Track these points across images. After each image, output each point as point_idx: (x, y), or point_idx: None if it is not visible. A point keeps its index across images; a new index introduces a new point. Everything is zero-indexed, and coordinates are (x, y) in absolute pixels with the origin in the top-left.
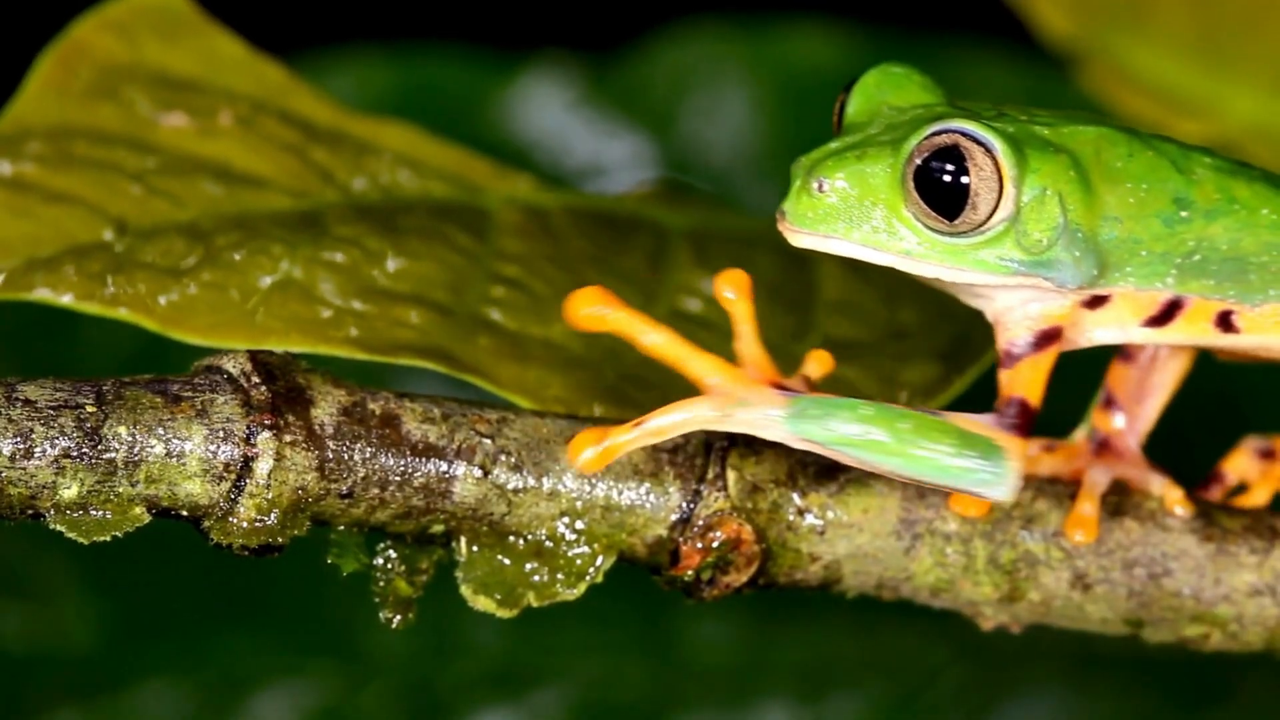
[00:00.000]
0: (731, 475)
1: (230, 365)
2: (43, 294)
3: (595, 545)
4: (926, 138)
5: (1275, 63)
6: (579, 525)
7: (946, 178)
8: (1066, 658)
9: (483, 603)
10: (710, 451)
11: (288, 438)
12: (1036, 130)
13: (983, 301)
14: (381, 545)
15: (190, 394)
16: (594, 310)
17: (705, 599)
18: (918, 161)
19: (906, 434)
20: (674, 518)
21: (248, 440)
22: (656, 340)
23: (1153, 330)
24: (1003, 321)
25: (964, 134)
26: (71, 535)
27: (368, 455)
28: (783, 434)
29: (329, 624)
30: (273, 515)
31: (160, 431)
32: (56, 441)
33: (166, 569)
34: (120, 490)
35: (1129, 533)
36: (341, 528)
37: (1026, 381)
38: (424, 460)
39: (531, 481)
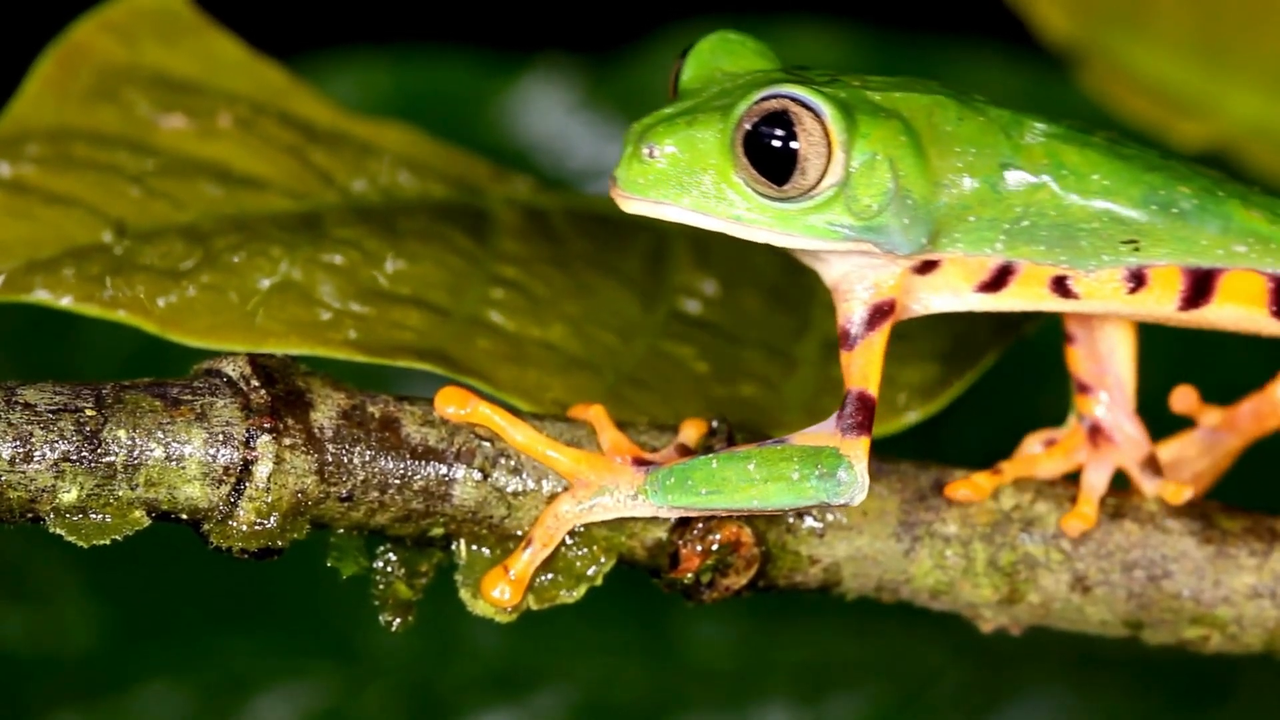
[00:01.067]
0: None
1: (230, 368)
2: (42, 296)
3: (595, 548)
4: (756, 103)
5: (1275, 63)
6: (578, 528)
7: (775, 143)
8: (1066, 660)
9: (482, 607)
10: (710, 453)
11: (287, 441)
12: (868, 95)
13: (820, 265)
14: (381, 548)
15: (190, 397)
16: (458, 410)
17: (705, 601)
18: (747, 126)
19: (755, 472)
20: (673, 520)
21: (247, 444)
22: (517, 437)
23: (988, 295)
24: (840, 290)
25: (793, 99)
26: (71, 539)
27: (367, 458)
28: (651, 509)
29: (329, 626)
30: (272, 518)
31: (160, 435)
32: (56, 445)
33: (167, 571)
34: (120, 494)
35: (1128, 535)
36: (341, 531)
37: (864, 367)
38: (424, 463)
39: (531, 484)
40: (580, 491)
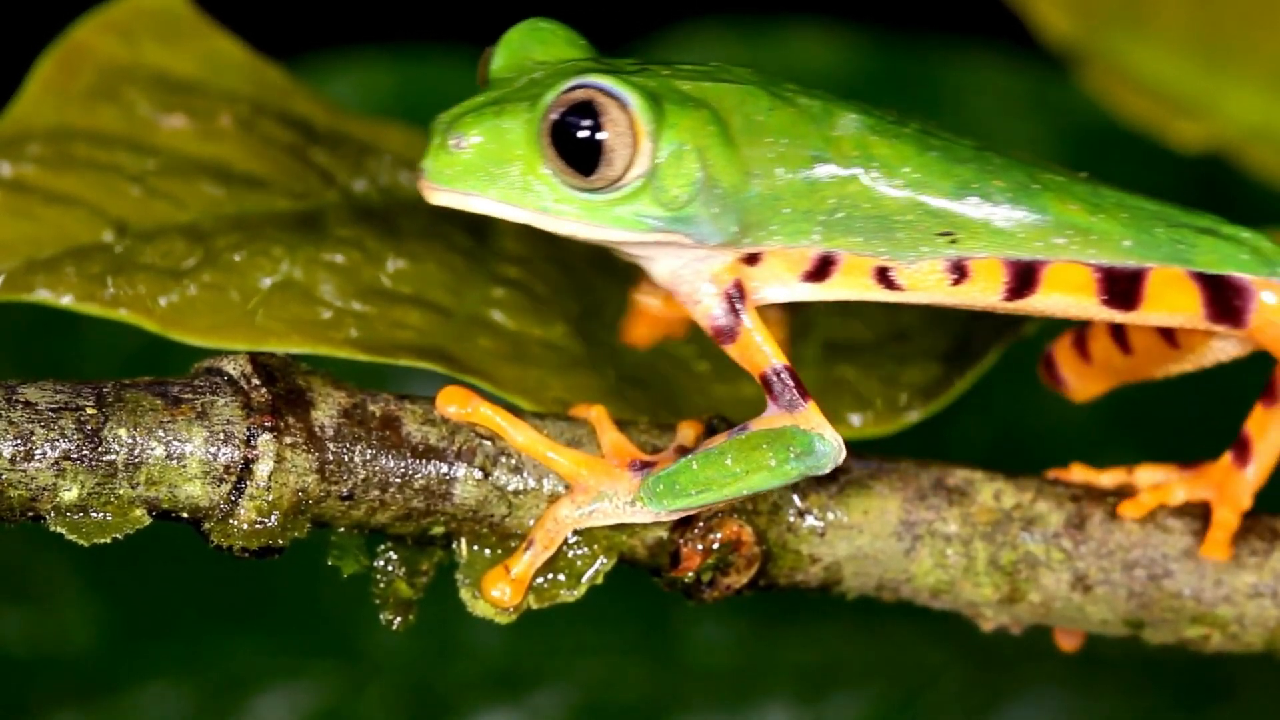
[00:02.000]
0: None
1: (230, 367)
2: (43, 295)
3: (596, 547)
4: (562, 93)
5: (1274, 63)
6: (580, 527)
7: (582, 133)
8: (1067, 659)
9: (483, 608)
10: None
11: (288, 440)
12: (677, 85)
13: (647, 263)
14: (382, 547)
15: (190, 396)
16: (459, 410)
17: (705, 601)
18: (553, 117)
19: (734, 466)
20: (674, 520)
21: (248, 442)
22: (518, 438)
23: (815, 286)
24: (682, 293)
25: (600, 89)
26: (72, 537)
27: (368, 457)
28: (650, 515)
29: (329, 625)
30: (273, 517)
31: (161, 433)
32: (57, 444)
33: (167, 571)
34: (120, 492)
35: (1129, 534)
36: (342, 529)
37: (758, 348)
38: (424, 462)
39: (532, 483)
40: (580, 496)
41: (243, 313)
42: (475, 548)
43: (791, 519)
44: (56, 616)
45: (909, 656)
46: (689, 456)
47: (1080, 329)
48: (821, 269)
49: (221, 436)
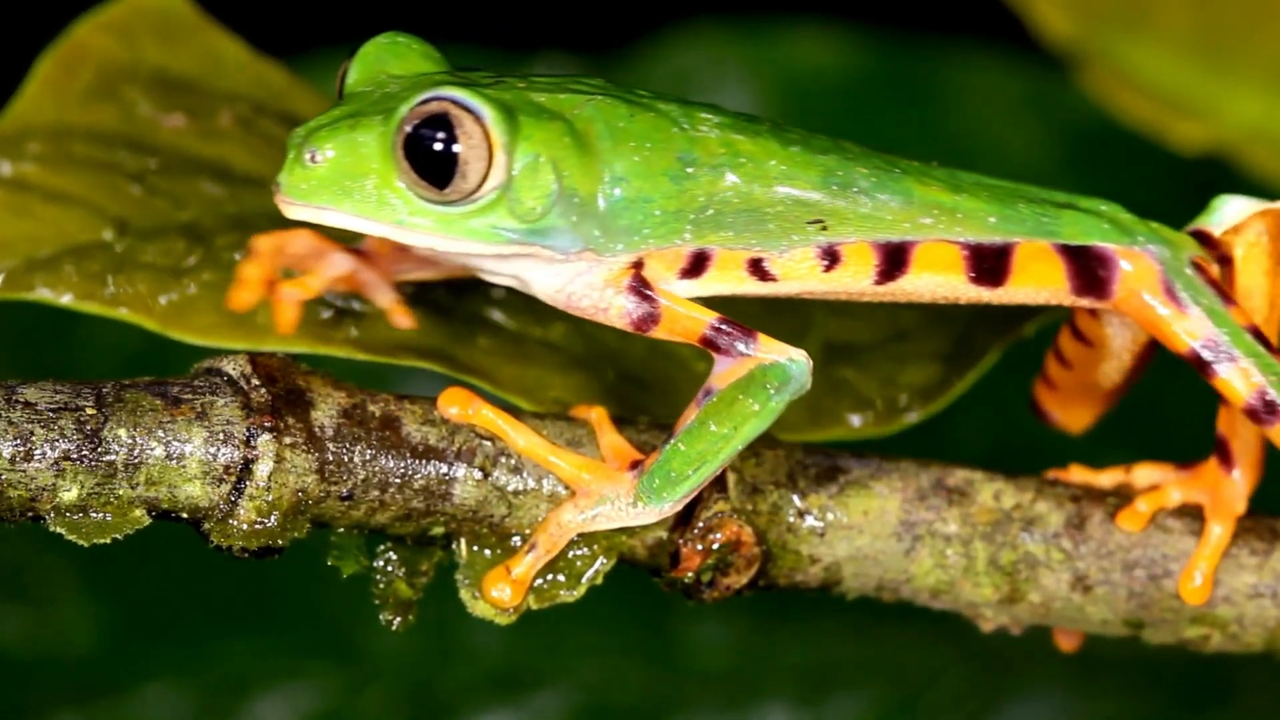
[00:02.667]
0: (731, 477)
1: (230, 367)
2: (42, 294)
3: (595, 547)
4: (416, 105)
5: (1274, 65)
6: (583, 531)
7: (436, 146)
8: (1067, 659)
9: (482, 608)
10: None
11: (288, 440)
12: (533, 97)
13: (525, 285)
14: (381, 547)
15: (190, 396)
16: (461, 411)
17: (705, 601)
18: (407, 130)
19: (720, 429)
20: (674, 520)
21: (248, 442)
22: (519, 441)
23: (692, 282)
24: (583, 306)
25: (454, 101)
26: (72, 538)
27: (368, 457)
28: (653, 515)
29: (329, 626)
30: (273, 517)
31: (160, 434)
32: (56, 444)
33: (167, 572)
34: (120, 492)
35: (1129, 534)
36: (342, 530)
37: (686, 317)
38: (424, 462)
39: (532, 483)
40: (582, 500)
41: (243, 312)
42: (475, 548)
43: (791, 519)
44: (56, 617)
45: (909, 657)
46: (671, 441)
47: (1042, 366)
48: (696, 266)
49: (221, 437)
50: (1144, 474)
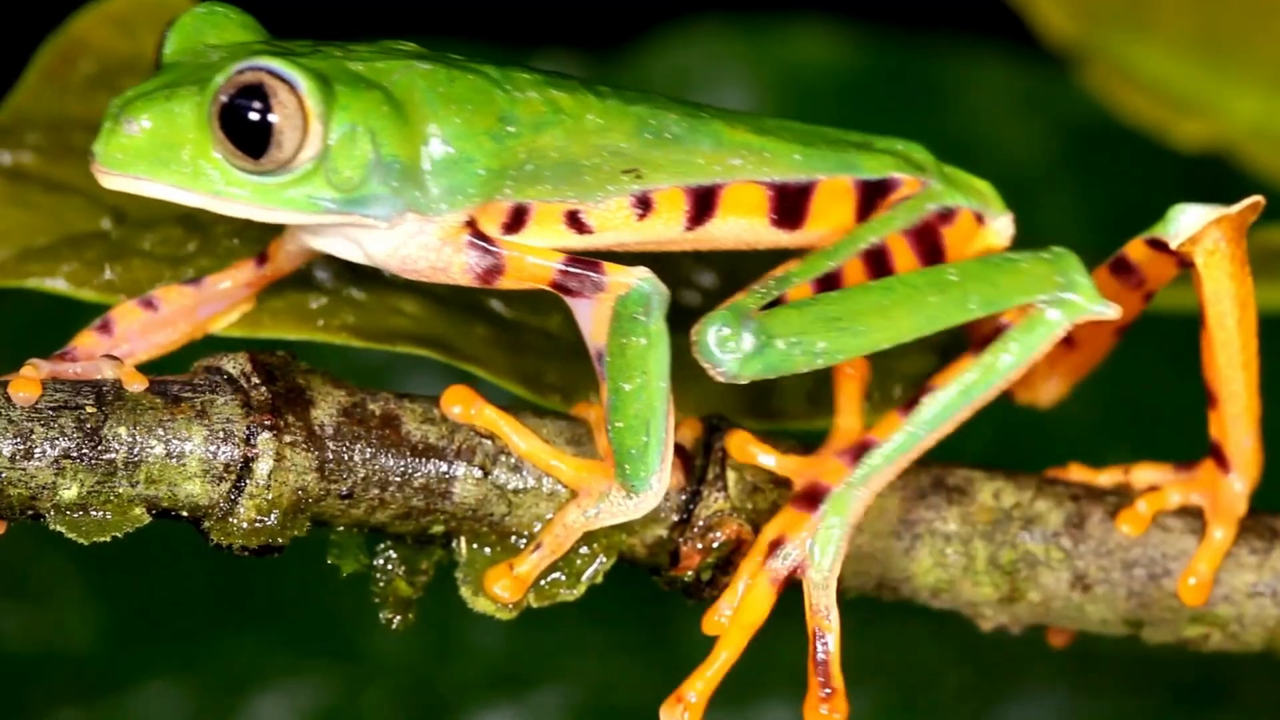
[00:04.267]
0: (731, 476)
1: (230, 366)
2: (40, 282)
3: (595, 546)
4: (232, 75)
5: (1276, 62)
6: (588, 530)
7: (251, 115)
8: (1067, 658)
9: (483, 604)
10: (710, 452)
11: (288, 438)
12: (350, 67)
13: (353, 253)
14: (381, 546)
15: (190, 395)
16: (464, 411)
17: (705, 599)
18: (223, 100)
19: (632, 382)
20: (674, 518)
21: (248, 441)
22: (521, 445)
23: (514, 236)
24: (421, 269)
25: (269, 71)
26: (71, 536)
27: (368, 456)
28: (649, 498)
29: (329, 624)
30: (273, 516)
31: (160, 432)
32: (56, 442)
33: (167, 570)
34: (120, 491)
35: (1128, 533)
36: (341, 528)
37: (532, 265)
38: (424, 461)
39: (531, 482)
40: (585, 500)
41: None
42: (475, 546)
43: None
44: (57, 616)
45: (909, 656)
46: (609, 426)
47: None
48: (516, 220)
49: (221, 435)
50: (1143, 474)
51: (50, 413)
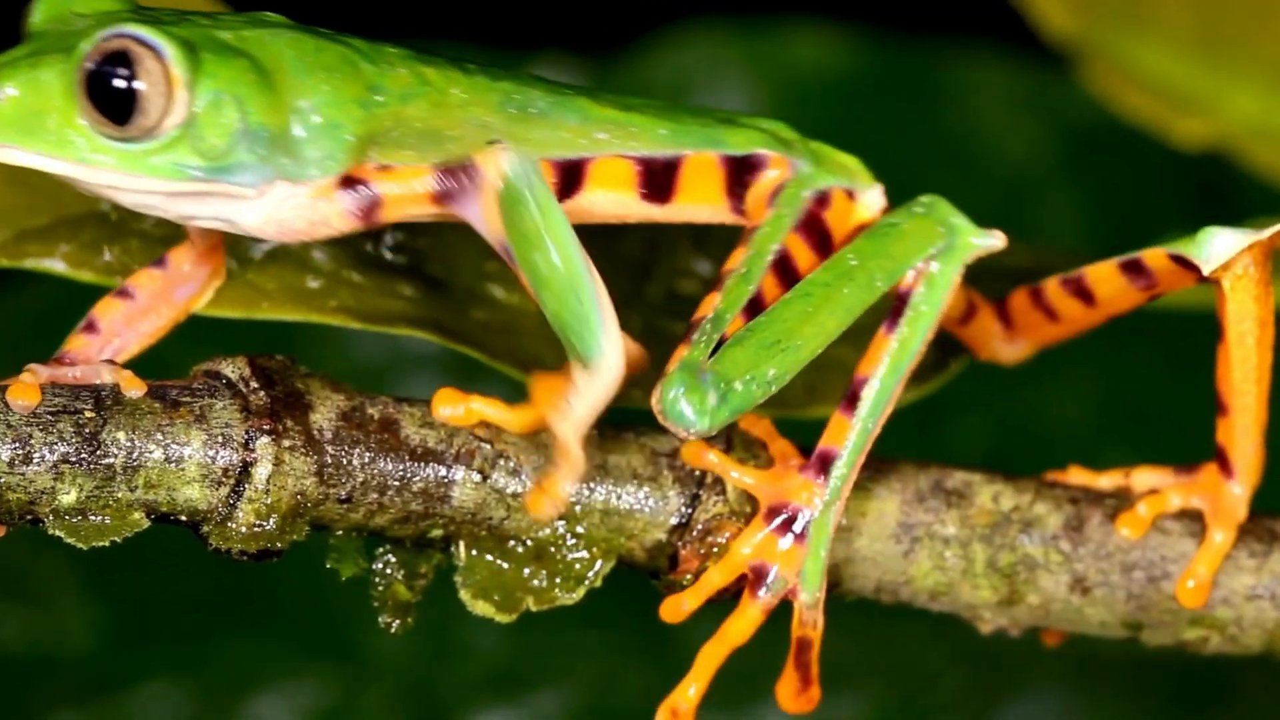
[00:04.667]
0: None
1: (229, 370)
2: (40, 263)
3: (594, 549)
4: (97, 42)
5: (1276, 61)
6: (578, 529)
7: (116, 82)
8: (1066, 661)
9: (482, 607)
10: None
11: (286, 443)
12: (218, 35)
13: (224, 225)
14: (380, 549)
15: (189, 399)
16: (452, 410)
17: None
18: (88, 66)
19: (543, 257)
20: (673, 522)
21: (246, 445)
22: (513, 420)
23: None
24: (299, 228)
25: (135, 38)
26: (70, 540)
27: (366, 460)
28: (603, 358)
29: (329, 627)
30: (271, 520)
31: (159, 437)
32: (55, 447)
33: (166, 573)
34: (119, 495)
35: (1128, 537)
36: (340, 532)
37: (406, 196)
38: (423, 465)
39: (530, 486)
40: (556, 408)
41: (237, 279)
42: (474, 551)
43: None
44: (56, 617)
45: (908, 658)
46: (543, 310)
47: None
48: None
49: (220, 439)
50: (1143, 477)
51: (49, 417)
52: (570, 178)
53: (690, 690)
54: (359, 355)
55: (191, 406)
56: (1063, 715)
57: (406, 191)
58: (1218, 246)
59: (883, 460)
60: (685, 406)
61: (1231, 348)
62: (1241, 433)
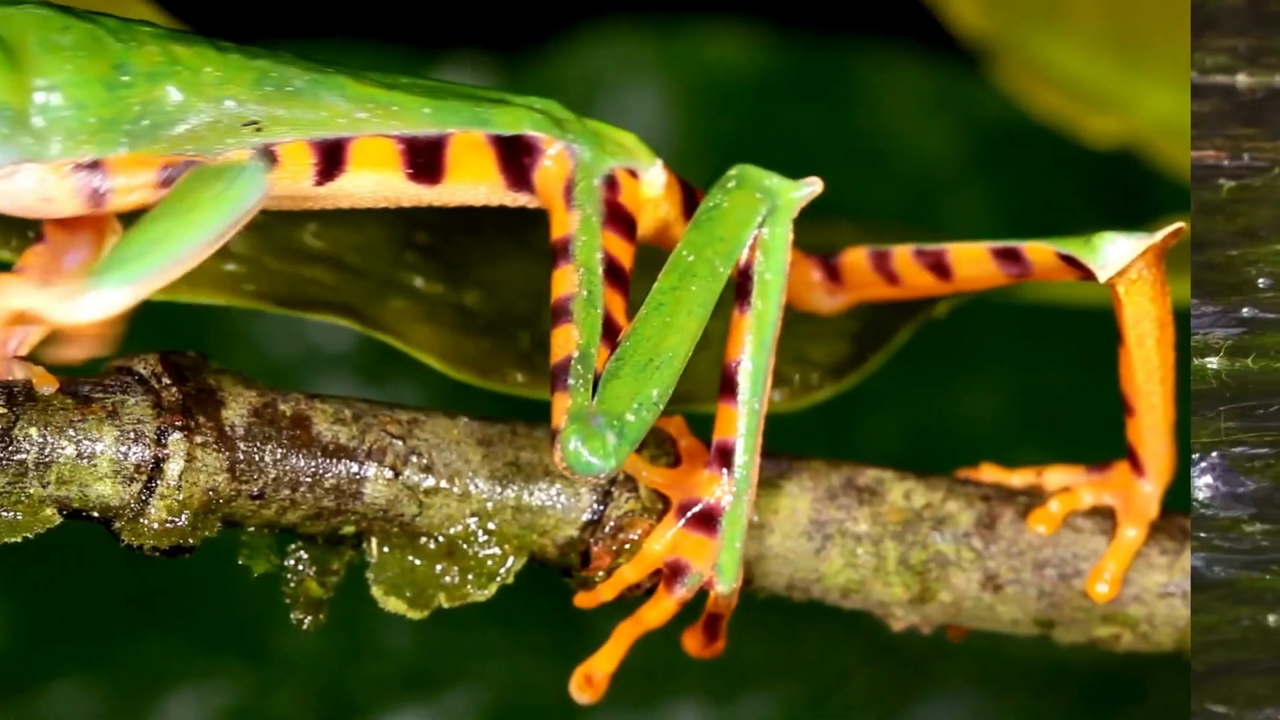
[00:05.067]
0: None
1: (141, 366)
2: None
3: (506, 546)
4: None
5: (1186, 58)
6: (490, 526)
7: None
8: (978, 660)
9: (394, 604)
10: None
11: (198, 439)
12: None
13: None
14: (292, 546)
15: (101, 395)
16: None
17: (616, 599)
18: None
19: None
20: (585, 519)
21: (158, 441)
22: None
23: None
24: (28, 204)
25: None
26: None
27: (278, 456)
28: (108, 293)
29: (240, 625)
30: (184, 516)
31: (71, 433)
32: None
33: (78, 571)
34: (31, 491)
35: (1039, 534)
36: (252, 529)
37: (143, 180)
38: (335, 461)
39: (443, 483)
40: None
41: None
42: (385, 548)
43: None
44: None
45: (820, 656)
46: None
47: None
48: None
49: (132, 435)
50: (1055, 476)
51: None
52: (331, 159)
53: (605, 660)
54: (271, 352)
55: (104, 403)
56: (974, 714)
57: (139, 183)
58: (1113, 254)
59: (795, 458)
60: (589, 456)
61: (1132, 350)
62: (1150, 432)
